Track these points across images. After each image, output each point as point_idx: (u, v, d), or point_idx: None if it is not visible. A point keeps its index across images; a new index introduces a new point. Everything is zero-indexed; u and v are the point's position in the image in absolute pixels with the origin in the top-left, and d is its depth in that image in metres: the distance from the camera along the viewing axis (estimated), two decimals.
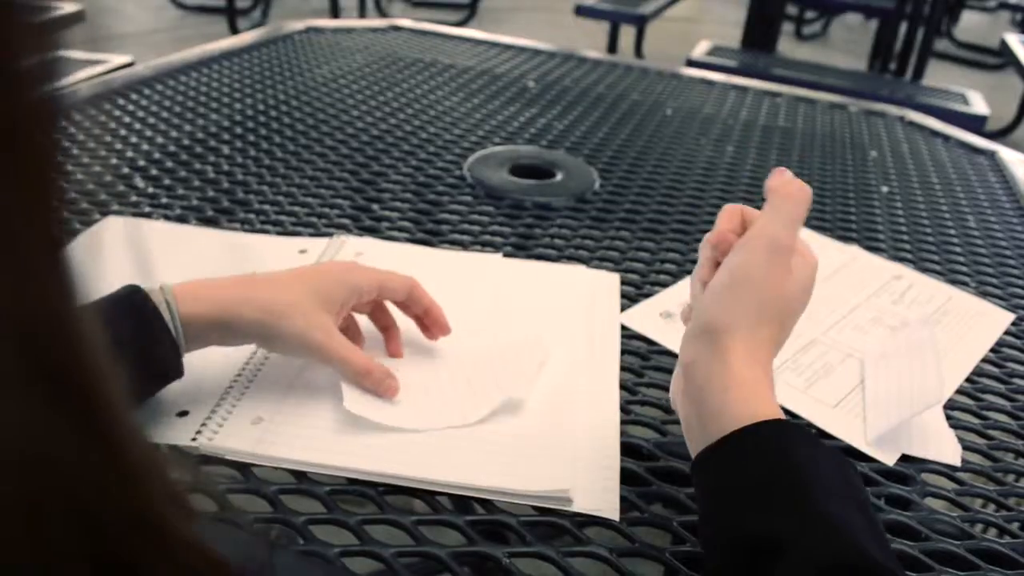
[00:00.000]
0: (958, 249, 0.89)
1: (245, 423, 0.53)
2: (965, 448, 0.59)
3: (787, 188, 0.47)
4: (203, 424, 0.52)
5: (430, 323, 0.60)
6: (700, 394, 0.44)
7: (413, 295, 0.59)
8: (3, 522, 0.15)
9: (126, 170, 0.87)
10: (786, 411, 0.60)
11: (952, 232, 0.93)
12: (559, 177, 0.94)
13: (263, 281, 0.54)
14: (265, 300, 0.52)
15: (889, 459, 0.56)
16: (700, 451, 0.43)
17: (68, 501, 0.16)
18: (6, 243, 0.15)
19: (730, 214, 0.49)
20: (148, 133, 0.96)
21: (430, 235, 0.80)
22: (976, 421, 0.63)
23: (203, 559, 0.21)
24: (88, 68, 1.82)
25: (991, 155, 1.17)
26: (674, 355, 0.65)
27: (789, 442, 0.41)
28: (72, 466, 0.16)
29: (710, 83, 1.37)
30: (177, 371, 0.51)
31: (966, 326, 0.73)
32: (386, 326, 0.61)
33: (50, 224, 0.16)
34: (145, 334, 0.48)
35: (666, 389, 0.62)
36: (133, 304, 0.49)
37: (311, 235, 0.77)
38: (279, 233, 0.78)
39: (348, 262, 0.60)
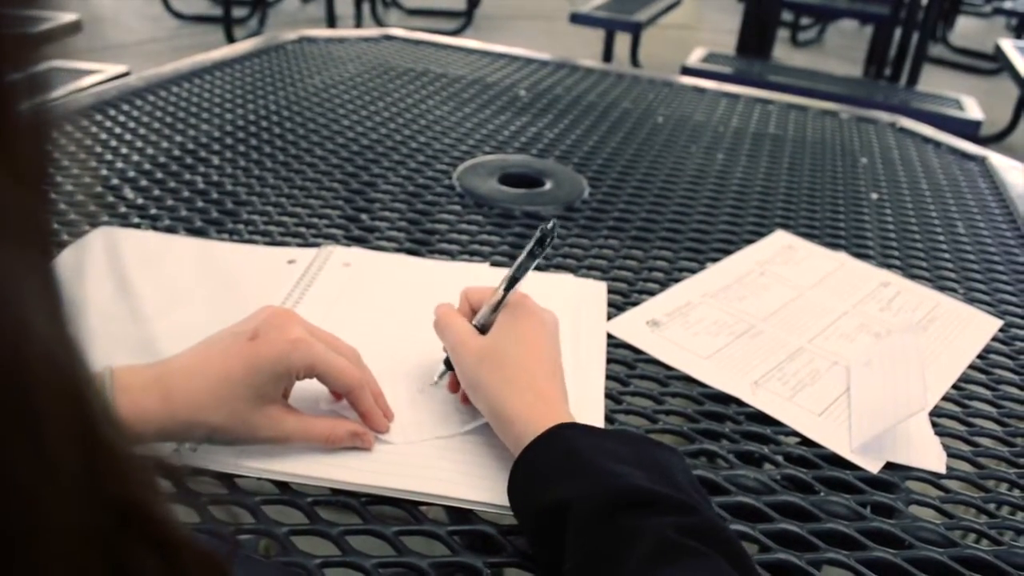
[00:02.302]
0: (947, 255, 0.89)
1: None
2: (951, 455, 0.59)
3: (437, 315, 0.58)
4: None
5: (367, 423, 0.54)
6: (509, 439, 0.51)
7: (351, 396, 0.53)
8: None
9: (115, 181, 0.87)
10: (770, 419, 0.60)
11: (941, 238, 0.93)
12: (548, 186, 0.94)
13: (194, 398, 0.49)
14: (206, 425, 0.49)
15: (873, 466, 0.56)
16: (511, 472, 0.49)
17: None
18: None
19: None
20: (138, 144, 0.96)
21: (419, 244, 0.81)
22: (962, 428, 0.63)
23: (193, 554, 0.21)
24: (84, 78, 1.83)
25: (981, 161, 1.17)
26: (660, 364, 0.66)
27: (572, 436, 0.48)
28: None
29: (701, 91, 1.37)
30: None
31: (953, 333, 0.73)
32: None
33: (41, 238, 0.16)
34: None
35: (652, 398, 0.62)
36: None
37: (300, 245, 0.78)
38: (268, 243, 0.78)
39: (288, 341, 0.51)
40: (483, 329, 0.56)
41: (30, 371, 0.15)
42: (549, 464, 0.47)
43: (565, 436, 0.48)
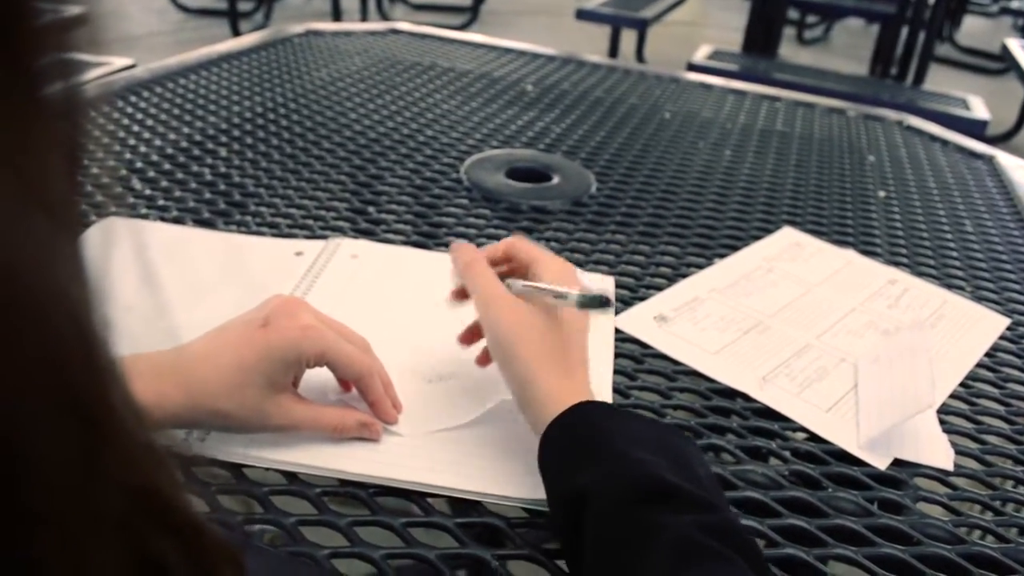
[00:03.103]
0: (954, 253, 0.89)
1: None
2: (959, 453, 0.59)
3: (465, 256, 0.55)
4: None
5: (376, 412, 0.54)
6: (532, 414, 0.50)
7: (361, 384, 0.53)
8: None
9: (124, 172, 0.87)
10: (777, 415, 0.60)
11: (948, 236, 0.93)
12: (555, 180, 0.94)
13: (206, 386, 0.49)
14: (218, 412, 0.49)
15: (881, 463, 0.56)
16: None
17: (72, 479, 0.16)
18: (25, 238, 0.15)
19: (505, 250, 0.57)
20: (146, 135, 0.96)
21: (426, 237, 0.81)
22: (970, 426, 0.62)
23: (210, 540, 0.21)
24: (90, 71, 1.83)
25: (989, 160, 1.17)
26: (668, 358, 0.66)
27: (594, 416, 0.48)
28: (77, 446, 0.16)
29: (708, 87, 1.37)
30: None
31: (961, 331, 0.73)
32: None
33: (71, 217, 0.16)
34: None
35: (659, 393, 0.62)
36: None
37: (307, 237, 0.78)
38: (275, 235, 0.78)
39: (299, 328, 0.51)
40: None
41: (63, 347, 0.15)
42: (568, 444, 0.46)
43: (585, 416, 0.47)
